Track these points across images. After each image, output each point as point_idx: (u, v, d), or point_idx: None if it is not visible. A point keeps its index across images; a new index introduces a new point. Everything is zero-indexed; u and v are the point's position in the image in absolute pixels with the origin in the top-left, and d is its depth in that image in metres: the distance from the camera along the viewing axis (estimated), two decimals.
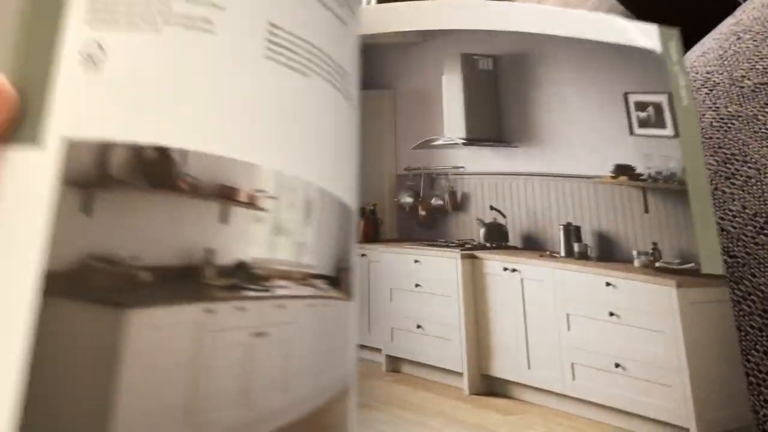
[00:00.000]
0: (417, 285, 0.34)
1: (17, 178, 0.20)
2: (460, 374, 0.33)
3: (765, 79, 0.50)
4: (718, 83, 0.50)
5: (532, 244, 0.36)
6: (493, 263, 0.36)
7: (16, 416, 0.18)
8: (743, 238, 0.42)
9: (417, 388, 0.32)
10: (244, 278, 0.21)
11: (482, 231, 0.36)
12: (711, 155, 0.45)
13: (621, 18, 0.40)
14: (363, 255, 0.34)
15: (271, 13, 0.24)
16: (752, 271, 0.40)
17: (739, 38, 0.53)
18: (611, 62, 0.38)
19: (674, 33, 0.40)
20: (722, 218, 0.42)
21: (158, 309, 0.20)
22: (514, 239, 0.36)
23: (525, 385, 0.34)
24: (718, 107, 0.49)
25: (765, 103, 0.48)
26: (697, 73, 0.51)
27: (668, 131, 0.37)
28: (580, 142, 0.37)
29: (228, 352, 0.21)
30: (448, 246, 0.36)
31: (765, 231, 0.41)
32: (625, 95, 0.38)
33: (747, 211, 0.43)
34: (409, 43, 0.38)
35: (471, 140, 0.37)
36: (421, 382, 0.33)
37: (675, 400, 0.32)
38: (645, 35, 0.39)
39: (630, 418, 0.32)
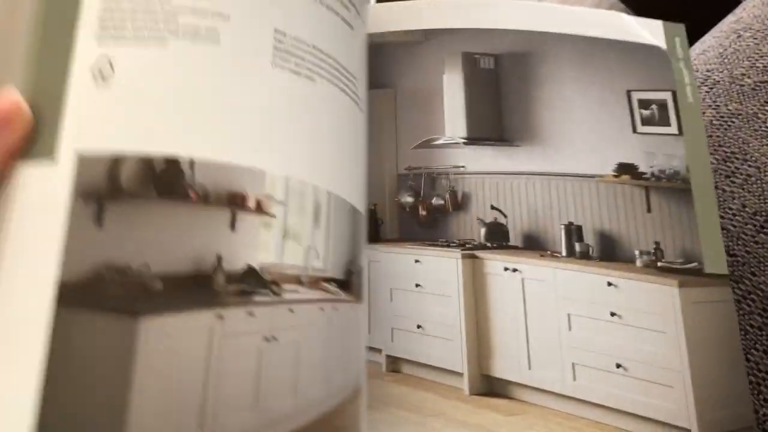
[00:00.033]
0: (417, 285, 0.33)
1: (33, 192, 0.21)
2: (460, 374, 0.33)
3: (765, 77, 0.48)
4: (719, 81, 0.49)
5: (533, 244, 0.35)
6: (494, 263, 0.35)
7: (35, 420, 0.18)
8: (743, 236, 0.41)
9: (417, 389, 0.32)
10: (253, 283, 0.21)
11: (483, 231, 0.36)
12: (711, 153, 0.44)
13: (624, 14, 0.38)
14: None
15: (276, 19, 0.24)
16: (752, 269, 0.40)
17: (739, 36, 0.52)
18: (614, 59, 0.37)
19: (680, 29, 0.38)
20: (722, 217, 0.41)
21: (170, 316, 0.20)
22: (515, 239, 0.35)
23: (525, 386, 0.33)
24: (718, 105, 0.48)
25: (765, 102, 0.47)
26: (697, 71, 0.49)
27: (672, 129, 0.36)
28: (582, 141, 0.36)
29: (239, 357, 0.21)
30: (448, 246, 0.35)
31: (765, 230, 0.40)
32: (628, 93, 0.37)
33: (747, 209, 0.42)
34: (411, 42, 0.36)
35: (472, 139, 0.36)
36: (421, 383, 0.32)
37: (676, 400, 0.31)
38: (649, 31, 0.38)
39: (631, 418, 0.31)
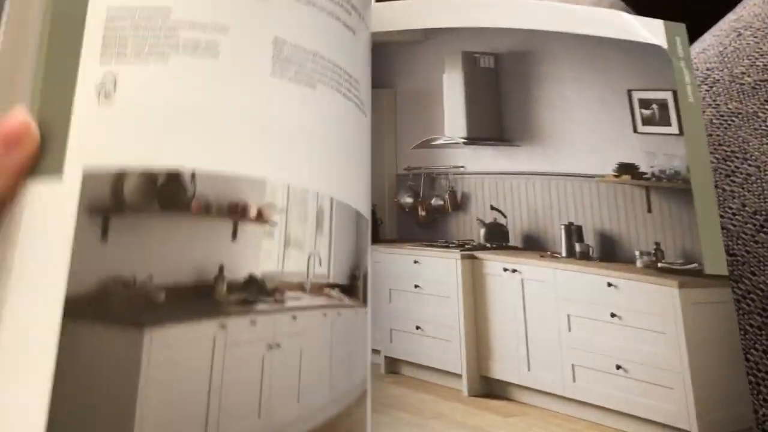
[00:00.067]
0: (416, 286, 0.33)
1: (40, 209, 0.21)
2: (459, 376, 0.32)
3: (765, 76, 0.47)
4: (718, 80, 0.48)
5: (533, 245, 0.34)
6: (494, 264, 0.34)
7: (45, 431, 0.18)
8: (743, 236, 0.40)
9: (416, 390, 0.31)
10: (255, 292, 0.21)
11: (482, 231, 0.35)
12: (711, 153, 0.43)
13: (625, 13, 0.38)
14: None
15: (275, 28, 0.23)
16: (752, 269, 0.39)
17: (739, 35, 0.51)
18: (615, 59, 0.36)
19: (681, 28, 0.37)
20: (722, 216, 0.40)
21: (173, 327, 0.20)
22: (514, 239, 0.34)
23: (525, 387, 0.32)
24: (718, 104, 0.47)
25: (765, 100, 0.46)
26: (697, 70, 0.48)
27: (673, 129, 0.35)
28: (583, 141, 0.35)
29: (242, 365, 0.21)
30: (447, 246, 0.34)
31: (765, 229, 0.39)
32: (629, 92, 0.36)
33: (747, 209, 0.41)
34: (411, 42, 0.36)
35: (472, 139, 0.36)
36: (420, 384, 0.32)
37: (676, 402, 0.31)
38: (650, 31, 0.37)
39: (631, 420, 0.31)
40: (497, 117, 0.36)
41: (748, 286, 0.38)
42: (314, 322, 0.23)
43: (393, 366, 0.32)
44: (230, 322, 0.21)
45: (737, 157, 0.43)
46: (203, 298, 0.20)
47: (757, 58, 0.48)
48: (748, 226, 0.40)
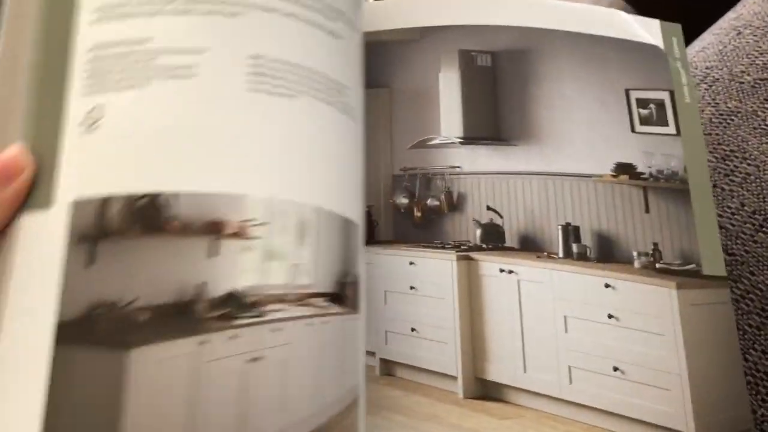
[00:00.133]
0: (412, 287, 0.32)
1: (31, 240, 0.21)
2: (454, 378, 0.31)
3: (765, 74, 0.46)
4: (718, 79, 0.47)
5: (530, 245, 0.33)
6: (490, 265, 0.33)
7: None
8: (742, 235, 0.39)
9: (411, 392, 0.30)
10: (236, 307, 0.21)
11: (478, 232, 0.34)
12: (710, 152, 0.42)
13: (623, 12, 0.36)
14: None
15: (252, 45, 0.23)
16: (751, 269, 0.37)
17: (739, 33, 0.50)
18: (613, 58, 0.35)
19: (677, 28, 0.36)
20: (721, 216, 0.39)
21: (156, 346, 0.20)
22: (511, 240, 0.33)
23: (521, 389, 0.31)
24: (717, 103, 0.45)
25: (765, 99, 0.45)
26: (696, 69, 0.47)
27: (670, 129, 0.34)
28: (580, 140, 0.34)
29: (223, 380, 0.21)
30: (443, 247, 0.33)
31: (764, 229, 0.38)
32: (627, 92, 0.34)
33: (746, 208, 0.40)
34: (406, 40, 0.34)
35: (468, 139, 0.34)
36: (415, 386, 0.31)
37: (674, 404, 0.30)
38: (647, 30, 0.35)
39: (628, 422, 0.30)
40: (494, 116, 0.35)
41: (747, 285, 0.37)
42: (299, 332, 0.23)
43: (388, 368, 0.31)
44: (210, 338, 0.21)
45: (736, 156, 0.41)
46: (184, 315, 0.21)
47: (756, 57, 0.46)
48: (747, 225, 0.38)
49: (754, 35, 0.48)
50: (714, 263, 0.32)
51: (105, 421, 0.19)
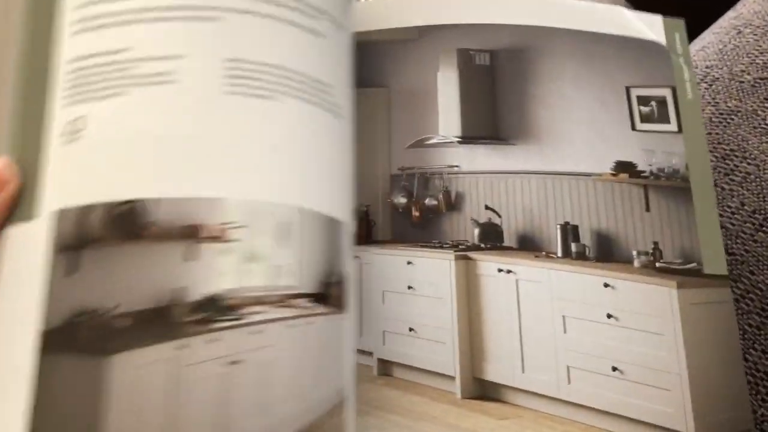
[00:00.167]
0: (410, 287, 0.31)
1: (16, 251, 0.21)
2: (452, 378, 0.31)
3: (765, 73, 0.45)
4: (718, 78, 0.46)
5: (528, 245, 0.32)
6: (488, 264, 0.33)
7: None
8: (742, 235, 0.38)
9: (409, 392, 0.29)
10: (215, 310, 0.21)
11: (477, 231, 0.33)
12: (710, 151, 0.41)
13: (624, 9, 0.35)
14: (356, 257, 0.30)
15: (229, 48, 0.23)
16: (750, 268, 0.37)
17: (739, 32, 0.49)
18: (613, 55, 0.34)
19: (680, 24, 0.35)
20: (721, 215, 0.38)
21: (135, 351, 0.20)
22: (509, 239, 0.33)
23: (519, 389, 0.31)
24: (717, 102, 0.44)
25: (765, 98, 0.44)
26: (696, 68, 0.46)
27: (672, 126, 0.33)
28: (580, 139, 0.33)
29: (202, 384, 0.20)
30: (441, 247, 0.33)
31: (764, 228, 0.37)
32: (627, 89, 0.34)
33: (746, 207, 0.39)
34: (405, 40, 0.34)
35: (466, 138, 0.34)
36: (412, 386, 0.30)
37: (674, 404, 0.29)
38: (648, 26, 0.34)
39: (626, 422, 0.29)
40: (492, 115, 0.34)
41: (747, 285, 0.36)
42: (280, 334, 0.22)
43: (386, 368, 0.30)
44: (189, 342, 0.20)
45: (736, 156, 0.41)
46: (163, 320, 0.20)
47: (756, 56, 0.46)
48: (747, 225, 0.38)
49: (755, 34, 0.47)
50: (715, 262, 0.31)
51: (87, 426, 0.19)
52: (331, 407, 0.22)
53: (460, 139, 0.33)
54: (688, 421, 0.28)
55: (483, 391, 0.31)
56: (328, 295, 0.24)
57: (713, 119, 0.43)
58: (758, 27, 0.48)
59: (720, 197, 0.38)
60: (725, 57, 0.46)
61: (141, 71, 0.22)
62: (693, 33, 0.49)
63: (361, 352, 0.29)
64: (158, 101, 0.22)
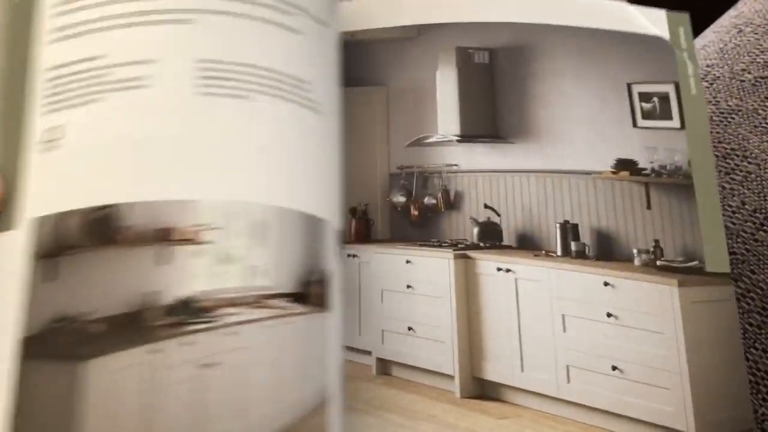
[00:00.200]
0: (408, 286, 0.30)
1: None
2: (451, 377, 0.30)
3: (766, 72, 0.44)
4: (719, 77, 0.45)
5: (528, 243, 0.32)
6: (487, 263, 0.32)
7: None
8: (742, 234, 0.37)
9: (407, 391, 0.29)
10: (189, 313, 0.21)
11: (476, 230, 0.32)
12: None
13: (626, 3, 0.34)
14: (354, 256, 0.30)
15: (202, 49, 0.22)
16: (751, 267, 0.36)
17: (740, 31, 0.48)
18: (614, 51, 0.33)
19: (684, 18, 0.34)
20: (721, 214, 0.37)
21: (110, 356, 0.20)
22: (508, 238, 0.32)
23: (518, 389, 0.30)
24: (718, 101, 0.43)
25: (765, 97, 0.43)
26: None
27: (674, 123, 0.32)
28: (580, 137, 0.32)
29: (177, 387, 0.20)
30: (440, 246, 0.32)
31: (764, 227, 0.37)
32: (629, 86, 0.33)
33: (746, 207, 0.38)
34: (403, 38, 0.33)
35: (465, 137, 0.33)
36: (411, 385, 0.30)
37: (674, 403, 0.28)
38: (652, 21, 0.33)
39: (626, 421, 0.28)
40: (491, 113, 0.34)
41: (747, 284, 0.35)
42: (256, 335, 0.22)
43: (384, 367, 0.30)
44: (162, 346, 0.20)
45: (737, 155, 0.40)
46: (136, 325, 0.20)
47: (757, 55, 0.45)
48: (748, 224, 0.37)
49: (755, 33, 0.46)
50: (718, 259, 0.30)
51: (64, 428, 0.19)
52: (313, 407, 0.22)
53: (459, 138, 0.33)
54: (688, 421, 0.28)
55: (482, 390, 0.30)
56: (308, 294, 0.23)
57: (714, 118, 0.42)
58: (759, 26, 0.47)
59: (721, 197, 0.38)
60: (726, 56, 0.45)
61: (117, 77, 0.22)
62: (694, 32, 0.48)
63: (359, 351, 0.29)
64: (134, 106, 0.22)
